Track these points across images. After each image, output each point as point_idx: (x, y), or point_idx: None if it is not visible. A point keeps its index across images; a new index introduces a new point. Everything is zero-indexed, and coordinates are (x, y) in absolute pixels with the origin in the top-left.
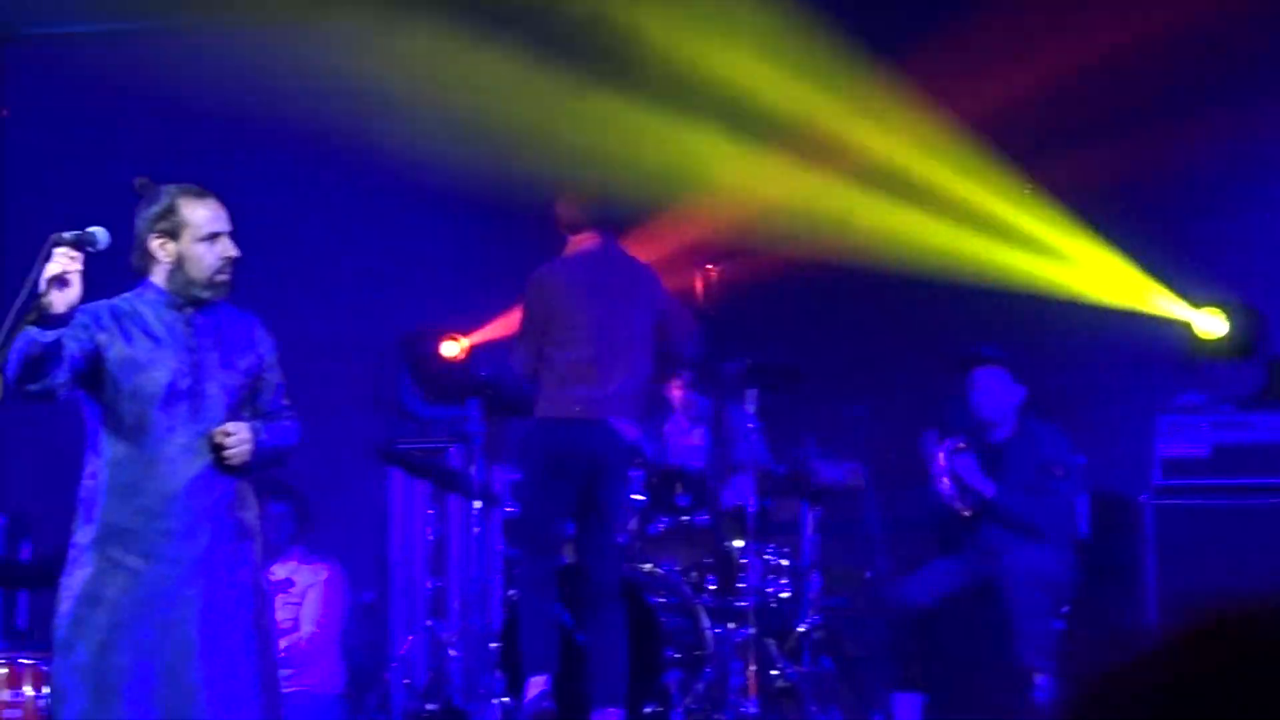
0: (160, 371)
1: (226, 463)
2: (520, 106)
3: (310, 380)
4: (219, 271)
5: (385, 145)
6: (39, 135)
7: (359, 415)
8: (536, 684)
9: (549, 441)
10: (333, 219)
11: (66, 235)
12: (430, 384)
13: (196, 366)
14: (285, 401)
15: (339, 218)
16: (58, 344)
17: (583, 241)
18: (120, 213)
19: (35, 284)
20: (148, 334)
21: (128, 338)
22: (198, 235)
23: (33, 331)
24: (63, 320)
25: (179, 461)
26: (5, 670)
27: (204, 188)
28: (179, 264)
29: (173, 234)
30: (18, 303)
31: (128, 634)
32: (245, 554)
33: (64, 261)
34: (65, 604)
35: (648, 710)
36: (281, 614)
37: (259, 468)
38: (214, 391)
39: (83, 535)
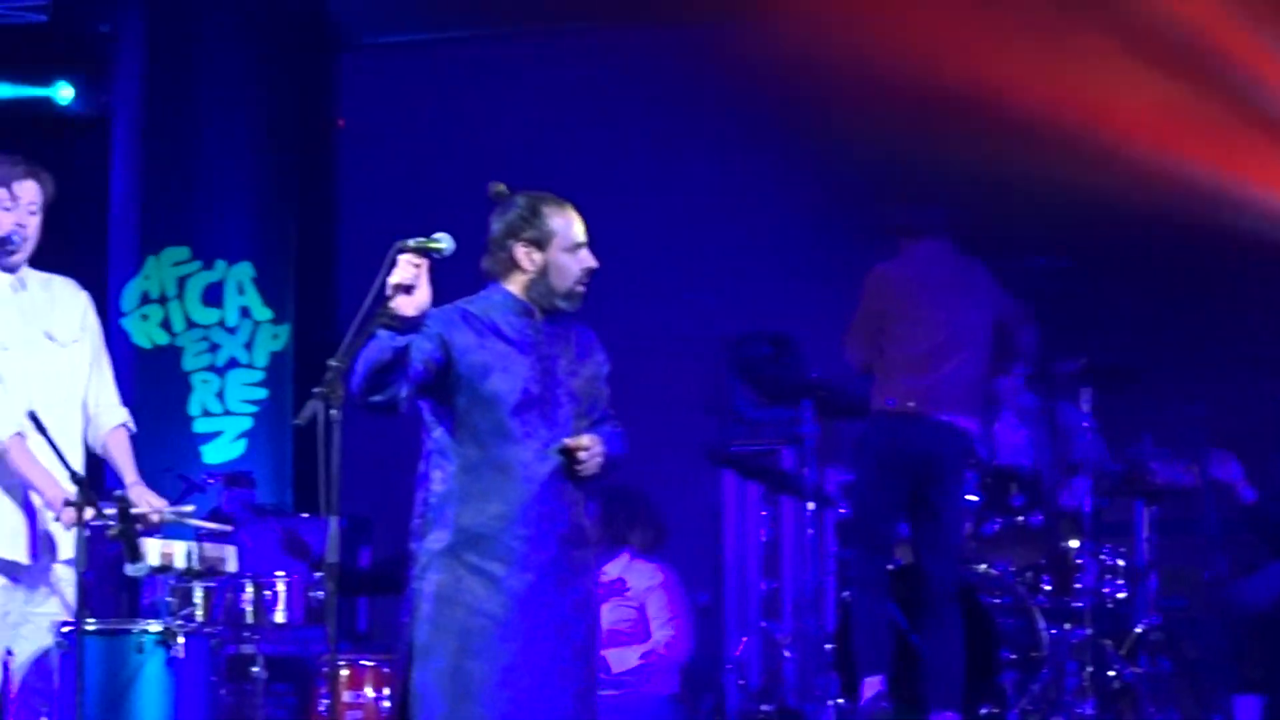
0: (514, 377)
1: (579, 473)
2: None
3: (643, 383)
4: (579, 282)
5: (712, 144)
6: (377, 144)
7: (691, 418)
8: (872, 685)
9: (884, 437)
10: (662, 219)
11: (411, 242)
12: (761, 386)
13: (547, 374)
14: (611, 411)
15: (668, 218)
16: (405, 351)
17: (919, 242)
18: (459, 218)
19: (380, 291)
20: (502, 339)
21: (482, 343)
22: (564, 245)
23: (383, 335)
24: (414, 325)
25: (532, 467)
26: (347, 672)
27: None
28: (542, 273)
29: (539, 243)
30: (362, 311)
31: (486, 640)
32: (587, 561)
33: (409, 268)
34: (423, 609)
35: (983, 712)
36: (617, 614)
37: (601, 478)
38: (562, 399)
39: (434, 541)
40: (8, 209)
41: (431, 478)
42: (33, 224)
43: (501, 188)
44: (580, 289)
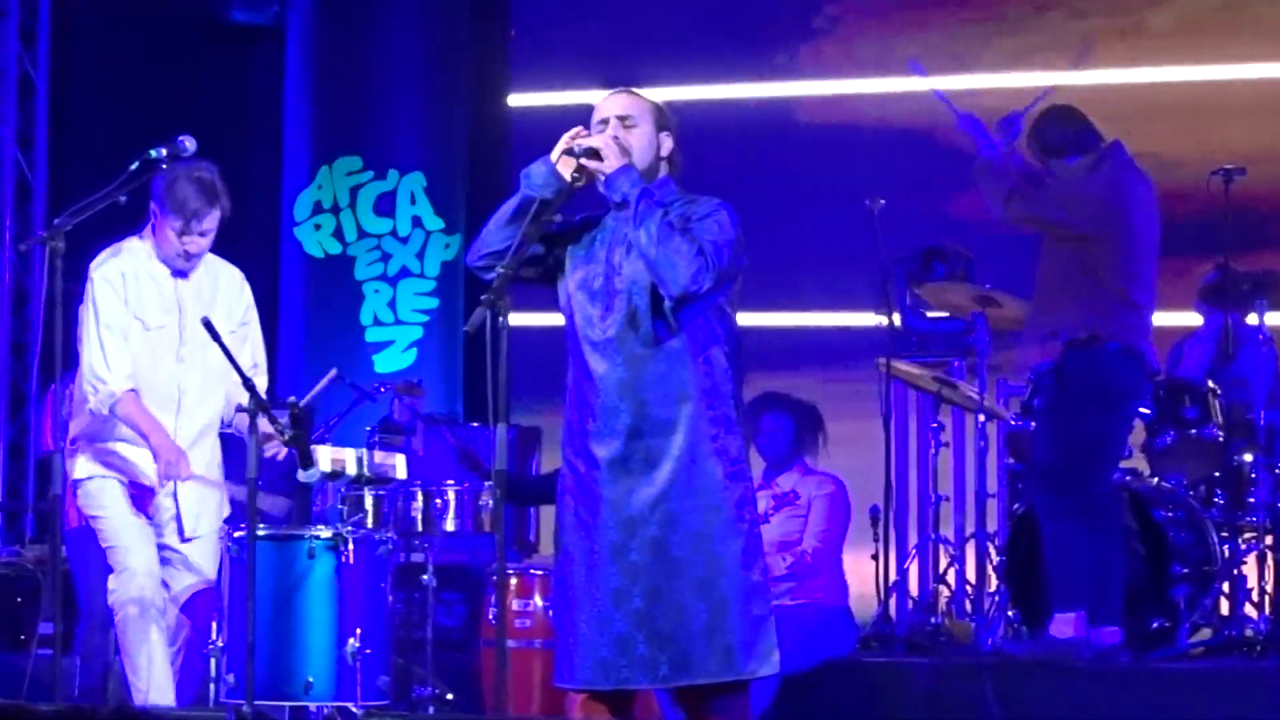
0: None
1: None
2: None
3: (819, 294)
4: None
5: None
6: (548, 54)
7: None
8: (1067, 620)
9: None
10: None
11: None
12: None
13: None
14: None
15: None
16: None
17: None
18: None
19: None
20: None
21: None
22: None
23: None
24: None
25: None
26: (516, 581)
27: None
28: None
29: None
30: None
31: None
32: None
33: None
34: None
35: (1155, 626)
36: (788, 526)
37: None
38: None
39: None
40: (185, 236)
41: None
42: (206, 244)
43: None
44: None
